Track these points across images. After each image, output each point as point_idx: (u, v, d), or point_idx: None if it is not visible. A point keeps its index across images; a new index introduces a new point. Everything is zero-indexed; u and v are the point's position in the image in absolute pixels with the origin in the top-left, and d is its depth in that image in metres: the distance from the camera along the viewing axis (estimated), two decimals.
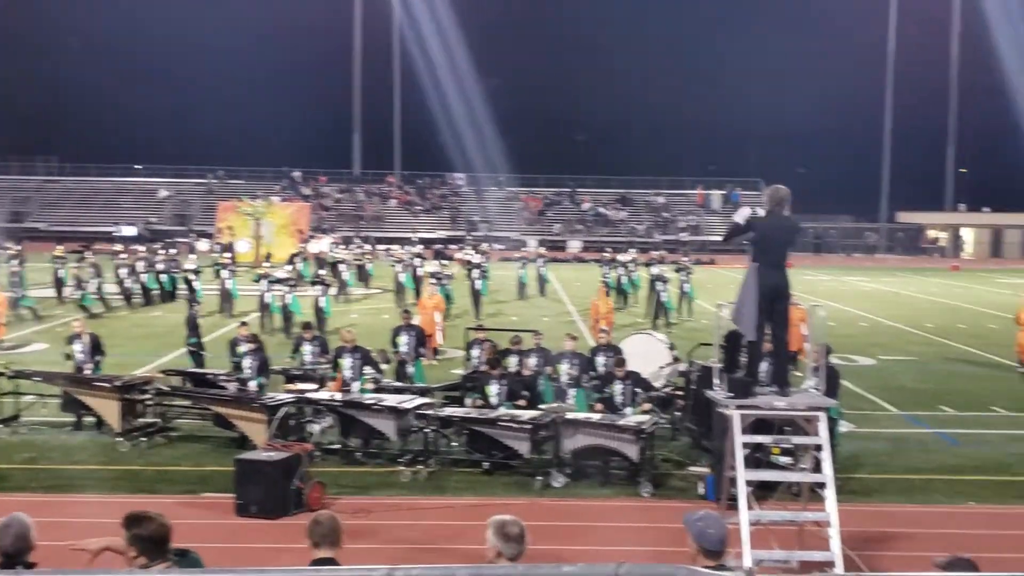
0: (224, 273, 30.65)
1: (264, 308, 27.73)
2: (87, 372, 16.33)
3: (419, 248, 40.68)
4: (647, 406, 14.40)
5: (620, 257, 35.43)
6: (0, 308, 23.91)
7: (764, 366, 10.48)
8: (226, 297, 30.52)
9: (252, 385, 15.60)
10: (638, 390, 14.57)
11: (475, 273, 32.34)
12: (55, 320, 29.09)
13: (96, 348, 16.57)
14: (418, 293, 31.85)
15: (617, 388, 14.43)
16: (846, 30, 78.69)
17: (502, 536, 5.09)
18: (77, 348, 16.48)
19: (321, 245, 46.97)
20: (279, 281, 28.01)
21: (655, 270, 31.59)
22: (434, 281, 29.65)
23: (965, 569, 6.13)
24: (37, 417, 15.93)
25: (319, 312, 26.55)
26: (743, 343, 9.78)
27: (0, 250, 37.67)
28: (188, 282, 30.53)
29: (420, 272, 33.76)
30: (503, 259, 47.20)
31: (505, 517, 5.22)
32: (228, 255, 34.45)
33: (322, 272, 33.66)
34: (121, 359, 20.17)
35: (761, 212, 10.39)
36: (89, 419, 15.75)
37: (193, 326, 20.58)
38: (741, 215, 10.58)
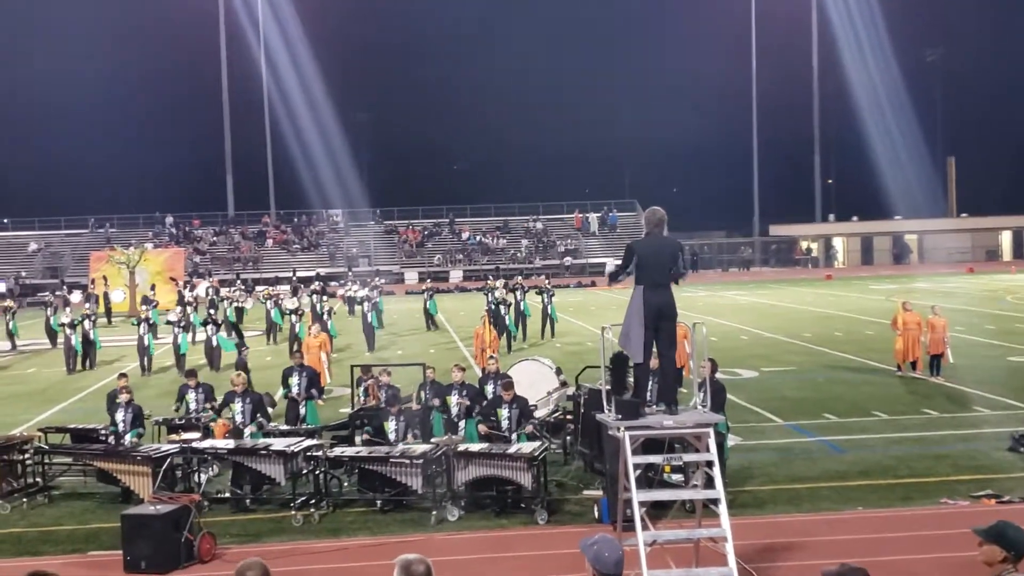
0: (86, 324, 29.90)
1: (143, 351, 28.38)
2: None
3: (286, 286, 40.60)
4: (530, 429, 14.46)
5: (493, 283, 35.58)
6: None
7: (651, 385, 10.63)
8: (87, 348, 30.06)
9: (127, 439, 15.15)
10: (523, 417, 14.59)
11: (366, 307, 32.38)
12: None
13: None
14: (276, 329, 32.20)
15: (503, 413, 14.45)
16: (710, 50, 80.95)
17: (409, 575, 5.03)
18: None
19: (199, 289, 46.14)
20: (170, 323, 29.16)
21: (498, 294, 32.27)
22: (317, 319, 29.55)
23: None
24: None
25: (213, 350, 27.67)
26: (630, 364, 9.90)
27: None
28: (66, 335, 29.60)
29: (285, 307, 33.43)
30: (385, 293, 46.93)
31: (411, 556, 5.15)
32: (88, 306, 33.79)
33: (212, 312, 33.43)
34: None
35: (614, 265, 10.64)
36: None
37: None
38: (610, 266, 10.76)
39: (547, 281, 35.84)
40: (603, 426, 10.85)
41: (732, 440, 15.59)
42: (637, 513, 8.88)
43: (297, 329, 29.89)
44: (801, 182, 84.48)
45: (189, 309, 35.46)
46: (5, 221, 77.32)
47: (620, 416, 9.55)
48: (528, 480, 13.01)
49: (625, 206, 77.69)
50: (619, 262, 10.27)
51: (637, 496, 8.99)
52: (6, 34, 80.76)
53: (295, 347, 27.77)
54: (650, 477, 12.21)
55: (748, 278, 67.41)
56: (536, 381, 17.64)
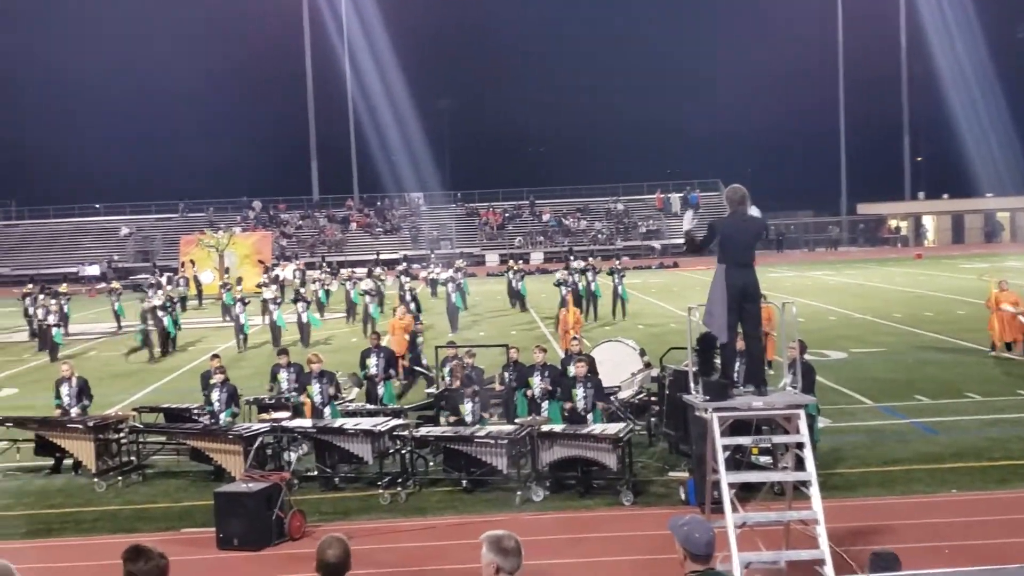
0: (159, 312, 30.50)
1: (239, 329, 29.56)
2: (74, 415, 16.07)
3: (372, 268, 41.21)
4: (603, 406, 14.47)
5: (573, 264, 35.56)
6: None
7: (739, 366, 10.51)
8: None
9: (222, 418, 15.47)
10: (597, 396, 14.55)
11: (450, 288, 32.72)
12: (24, 364, 28.80)
13: (83, 392, 16.32)
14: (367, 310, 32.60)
15: (579, 392, 14.40)
16: (796, 26, 79.47)
17: (500, 551, 5.02)
18: (64, 392, 16.25)
19: (286, 272, 46.88)
20: (266, 301, 31.20)
21: (559, 275, 32.35)
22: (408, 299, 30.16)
23: (889, 563, 6.17)
24: (11, 463, 15.70)
25: (303, 327, 29.05)
26: (717, 345, 9.80)
27: None
28: (157, 318, 30.30)
29: (362, 288, 33.87)
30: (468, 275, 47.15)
31: (499, 532, 5.16)
32: (167, 290, 34.52)
33: (301, 290, 34.18)
34: (95, 399, 19.90)
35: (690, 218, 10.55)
36: (68, 462, 15.55)
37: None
38: (688, 221, 10.63)
39: (618, 262, 35.78)
40: (689, 407, 10.78)
41: (822, 422, 15.35)
42: (726, 495, 8.80)
43: (371, 309, 30.72)
44: (889, 160, 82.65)
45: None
46: (98, 206, 79.44)
47: (708, 397, 9.45)
48: (613, 461, 12.97)
49: (708, 185, 76.82)
50: (692, 228, 10.16)
51: (726, 478, 8.91)
52: (103, 26, 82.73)
53: (369, 328, 29.11)
54: (737, 459, 12.07)
55: (835, 258, 66.27)
56: (619, 362, 17.58)
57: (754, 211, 10.01)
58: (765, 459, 12.59)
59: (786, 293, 35.71)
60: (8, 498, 14.36)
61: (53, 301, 31.53)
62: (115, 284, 39.57)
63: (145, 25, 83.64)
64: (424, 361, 21.70)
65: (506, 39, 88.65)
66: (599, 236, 73.41)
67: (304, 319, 29.37)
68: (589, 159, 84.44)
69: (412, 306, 30.37)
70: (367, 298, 31.63)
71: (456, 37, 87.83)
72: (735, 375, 10.17)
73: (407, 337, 23.44)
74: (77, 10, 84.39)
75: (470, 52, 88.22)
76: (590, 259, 36.50)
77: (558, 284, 31.98)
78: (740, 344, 10.17)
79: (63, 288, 38.10)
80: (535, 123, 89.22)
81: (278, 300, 31.32)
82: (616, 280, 33.49)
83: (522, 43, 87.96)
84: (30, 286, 36.22)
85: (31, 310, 33.00)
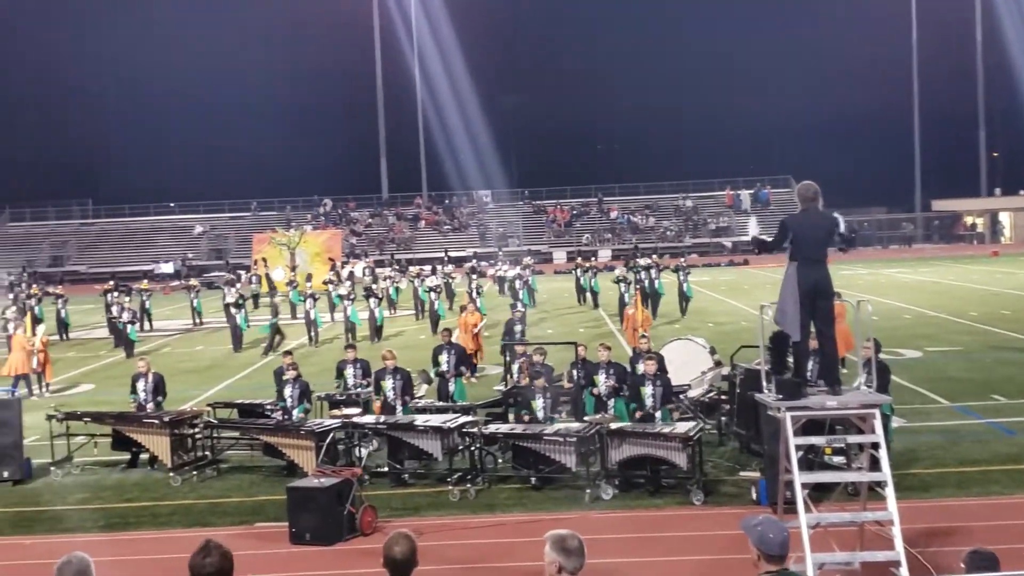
0: (232, 309, 31.02)
1: (310, 324, 30.26)
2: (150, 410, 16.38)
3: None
4: (674, 410, 14.37)
5: (639, 262, 35.45)
6: (45, 350, 24.08)
7: (811, 365, 10.37)
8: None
9: (295, 414, 15.66)
10: (667, 395, 14.46)
11: (518, 284, 32.83)
12: (101, 360, 29.42)
13: (158, 388, 16.64)
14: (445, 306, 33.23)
15: (647, 390, 14.32)
16: (868, 19, 78.27)
17: (562, 550, 5.04)
18: (140, 387, 16.57)
19: (355, 269, 47.32)
20: (341, 296, 32.05)
21: (617, 272, 32.22)
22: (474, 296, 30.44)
23: (987, 561, 6.04)
24: (89, 458, 16.05)
25: (374, 322, 29.95)
26: (790, 343, 9.68)
27: (44, 294, 38.46)
28: (231, 315, 30.80)
29: (428, 285, 34.16)
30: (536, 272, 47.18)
31: (563, 531, 5.17)
32: (237, 288, 34.88)
33: (373, 286, 34.63)
34: (168, 394, 20.26)
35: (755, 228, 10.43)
36: (144, 456, 15.86)
37: None
38: (752, 227, 10.52)
39: (683, 259, 35.68)
40: (761, 407, 10.66)
41: (896, 422, 15.11)
42: (800, 495, 8.70)
43: (436, 306, 31.03)
44: (965, 155, 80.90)
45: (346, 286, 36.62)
46: (172, 205, 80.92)
47: (781, 396, 9.34)
48: (683, 460, 12.88)
49: (779, 182, 75.94)
50: (758, 233, 10.07)
51: (800, 478, 8.80)
52: (178, 30, 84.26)
53: (435, 325, 29.74)
54: (810, 459, 11.92)
55: (910, 255, 65.10)
56: (689, 361, 17.45)
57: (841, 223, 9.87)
58: (838, 459, 12.42)
59: (860, 291, 35.16)
60: (86, 492, 14.69)
61: (127, 298, 32.19)
62: (193, 282, 40.43)
63: (219, 28, 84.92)
64: None
65: (574, 34, 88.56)
66: (667, 233, 72.98)
67: (376, 315, 29.71)
68: (658, 156, 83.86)
69: (479, 303, 30.65)
70: (433, 295, 31.92)
71: (524, 34, 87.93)
72: (808, 374, 10.04)
73: (474, 335, 23.54)
74: (152, 15, 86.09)
75: (538, 48, 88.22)
76: (653, 256, 36.31)
77: (617, 281, 31.95)
78: (814, 343, 10.04)
79: (144, 284, 39.03)
80: (603, 119, 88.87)
81: (351, 296, 31.70)
82: (681, 278, 33.36)
83: (590, 38, 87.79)
84: (111, 283, 37.10)
85: (112, 308, 33.75)
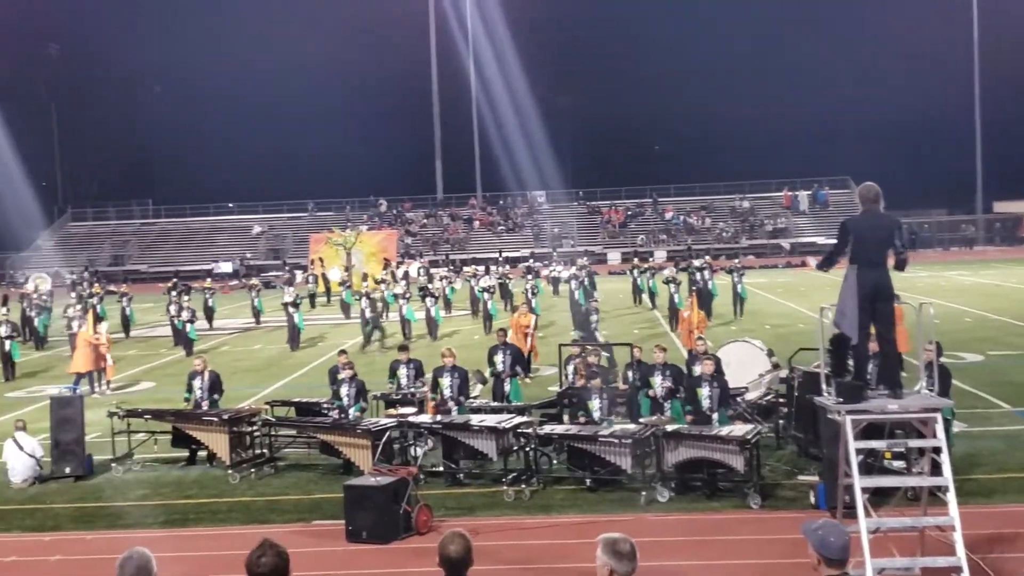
0: (291, 309, 31.23)
1: (365, 324, 30.43)
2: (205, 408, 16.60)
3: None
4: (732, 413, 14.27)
5: (694, 263, 35.26)
6: (107, 348, 24.47)
7: (872, 368, 10.25)
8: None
9: (351, 412, 15.78)
10: (723, 397, 14.35)
11: (573, 285, 32.88)
12: (161, 358, 29.85)
13: (214, 386, 16.85)
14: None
15: (703, 392, 14.24)
16: (929, 18, 77.03)
17: (614, 554, 5.03)
18: (197, 385, 16.79)
19: (411, 269, 47.57)
20: (396, 295, 32.41)
21: (667, 272, 32.07)
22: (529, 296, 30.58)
23: None
24: (149, 454, 16.29)
25: (432, 322, 30.21)
26: (850, 346, 9.56)
27: (106, 293, 39.15)
28: (289, 314, 31.12)
29: (482, 286, 34.29)
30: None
31: (615, 535, 5.17)
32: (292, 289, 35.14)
33: (429, 286, 34.95)
34: (226, 392, 20.50)
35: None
36: (202, 454, 16.07)
37: None
38: (814, 264, 10.45)
39: (737, 260, 35.50)
40: (820, 410, 10.55)
41: (957, 426, 14.89)
42: (860, 500, 8.60)
43: (489, 306, 31.29)
44: None
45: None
46: (231, 205, 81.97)
47: (841, 399, 9.24)
48: (740, 463, 12.77)
49: (837, 183, 75.07)
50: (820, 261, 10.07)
51: (860, 482, 8.70)
52: (236, 33, 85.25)
53: (488, 325, 30.29)
54: (869, 463, 11.78)
55: (971, 257, 64.00)
56: (746, 363, 17.32)
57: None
58: (898, 463, 12.26)
59: (920, 294, 34.64)
60: (146, 488, 14.91)
61: (187, 298, 32.64)
62: (254, 281, 40.98)
63: (277, 32, 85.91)
64: None
65: (629, 34, 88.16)
66: (723, 234, 72.48)
67: (432, 314, 29.90)
68: (714, 156, 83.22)
69: (534, 303, 30.81)
70: (486, 295, 32.11)
71: (579, 34, 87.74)
72: (869, 377, 9.92)
73: (526, 335, 23.54)
74: (213, 19, 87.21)
75: (593, 49, 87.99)
76: (706, 257, 36.12)
77: (667, 282, 31.80)
78: (874, 346, 9.93)
79: (207, 283, 39.65)
80: (658, 120, 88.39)
81: (407, 295, 32.05)
82: (735, 279, 33.16)
83: (645, 38, 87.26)
84: (174, 282, 37.70)
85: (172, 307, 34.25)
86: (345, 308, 38.28)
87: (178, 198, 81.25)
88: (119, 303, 35.86)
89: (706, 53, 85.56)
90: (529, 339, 23.53)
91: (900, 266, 9.57)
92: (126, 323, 35.26)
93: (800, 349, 16.14)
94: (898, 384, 9.51)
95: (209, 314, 36.58)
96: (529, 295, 32.37)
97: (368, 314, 29.88)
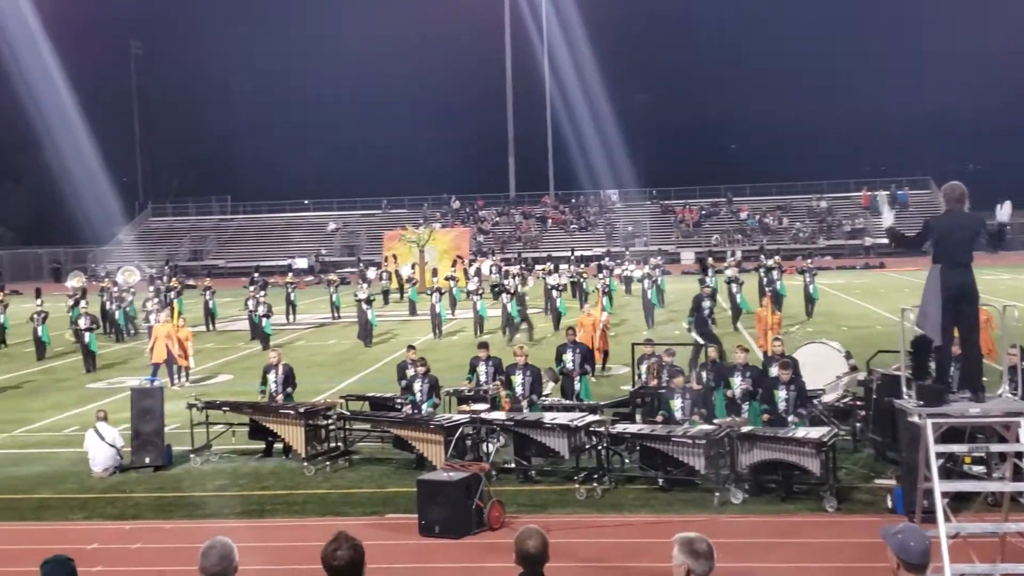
0: (364, 305, 31.43)
1: (436, 318, 31.34)
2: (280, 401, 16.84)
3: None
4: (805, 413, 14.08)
5: (768, 263, 34.92)
6: (189, 342, 24.91)
7: (954, 371, 10.05)
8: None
9: (424, 408, 15.88)
10: (801, 399, 14.17)
11: (646, 284, 32.76)
12: (239, 352, 30.34)
13: (288, 379, 17.09)
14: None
15: (780, 395, 14.07)
16: (1008, 15, 75.30)
17: (691, 553, 5.00)
18: (271, 378, 17.04)
19: (483, 267, 47.76)
20: (469, 292, 33.28)
21: (730, 272, 31.66)
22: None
23: None
24: (226, 446, 16.57)
25: (508, 319, 30.37)
26: (932, 348, 9.39)
27: (184, 287, 39.93)
28: (362, 310, 31.43)
29: (551, 283, 34.34)
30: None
31: (691, 534, 5.13)
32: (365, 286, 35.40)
33: (505, 282, 35.19)
34: (301, 386, 20.76)
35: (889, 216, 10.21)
36: (278, 446, 16.31)
37: None
38: (887, 218, 10.27)
39: (809, 261, 35.04)
40: (900, 413, 10.38)
41: None
42: (939, 504, 8.44)
43: (558, 304, 31.33)
44: None
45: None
46: (307, 203, 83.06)
47: (922, 403, 9.08)
48: (816, 466, 12.60)
49: (918, 183, 73.68)
50: (894, 223, 9.87)
51: (940, 486, 8.54)
52: (312, 35, 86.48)
53: (558, 323, 30.57)
54: (948, 468, 11.56)
55: None
56: (823, 364, 17.09)
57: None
58: (978, 468, 12.01)
59: (1002, 296, 33.82)
60: (223, 479, 15.16)
61: (263, 293, 33.15)
62: (333, 276, 41.62)
63: (352, 31, 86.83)
64: None
65: (704, 31, 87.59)
66: (800, 235, 71.56)
67: (509, 310, 30.30)
68: (790, 155, 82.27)
69: (605, 302, 30.71)
70: (555, 292, 32.18)
71: (653, 31, 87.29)
72: (951, 380, 9.73)
73: (596, 333, 23.47)
74: (289, 20, 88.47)
75: (667, 46, 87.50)
76: (776, 257, 35.73)
77: (729, 282, 31.48)
78: (957, 348, 9.73)
79: (289, 278, 40.31)
80: (734, 118, 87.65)
81: (479, 292, 32.43)
82: (807, 279, 32.79)
83: (720, 35, 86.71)
84: (254, 276, 38.41)
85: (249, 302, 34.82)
86: (411, 305, 38.80)
87: (256, 195, 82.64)
88: (202, 296, 36.64)
89: (784, 49, 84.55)
90: (599, 337, 23.47)
91: (997, 245, 9.44)
92: (210, 316, 35.99)
93: (879, 351, 15.88)
94: (980, 388, 9.32)
95: (290, 308, 37.27)
96: (601, 294, 32.29)
97: (511, 310, 30.27)
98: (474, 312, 31.56)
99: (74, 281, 40.87)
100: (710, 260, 40.61)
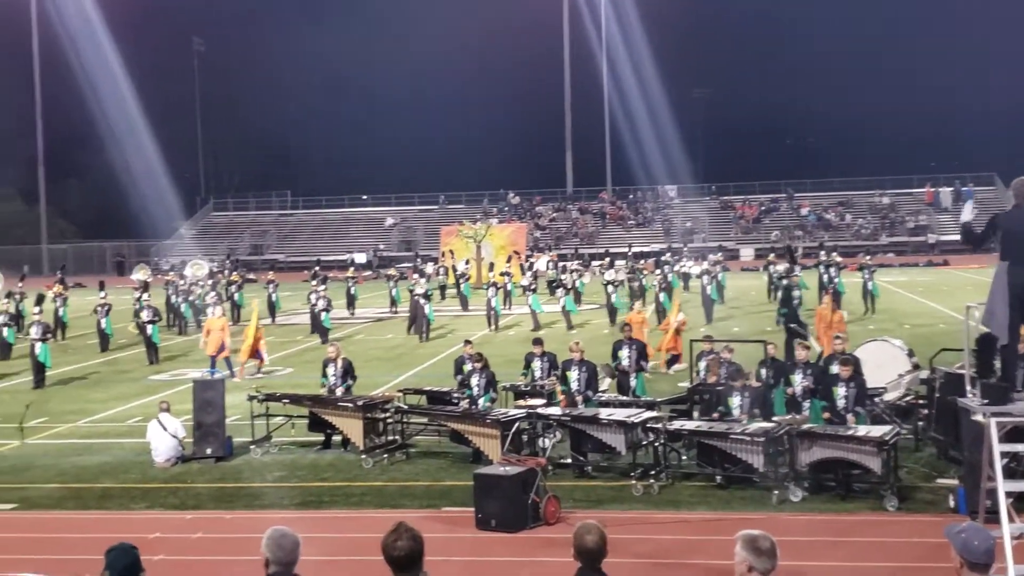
0: (421, 300, 31.66)
1: (491, 311, 31.74)
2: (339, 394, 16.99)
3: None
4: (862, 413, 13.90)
5: (831, 259, 34.56)
6: (260, 333, 25.13)
7: (1020, 370, 9.87)
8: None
9: (481, 402, 15.93)
10: (859, 397, 13.98)
11: (705, 280, 32.71)
12: (299, 345, 30.66)
13: (347, 373, 17.24)
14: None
15: (839, 392, 13.90)
16: None
17: (754, 550, 4.98)
18: (330, 372, 17.21)
19: (539, 263, 47.73)
20: (523, 287, 33.65)
21: (779, 268, 31.90)
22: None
23: None
24: (286, 438, 16.75)
25: (566, 313, 30.99)
26: (997, 346, 9.22)
27: (245, 281, 40.41)
28: (420, 305, 31.60)
29: (606, 279, 34.29)
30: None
31: (755, 532, 5.11)
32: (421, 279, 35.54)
33: (561, 277, 35.26)
34: (358, 380, 20.91)
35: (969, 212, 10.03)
36: (336, 438, 16.45)
37: None
38: (967, 213, 10.08)
39: (867, 258, 34.77)
40: (963, 412, 10.22)
41: None
42: (1003, 504, 8.32)
43: (613, 300, 31.41)
44: None
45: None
46: (365, 198, 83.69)
47: (986, 401, 8.93)
48: (877, 465, 12.44)
49: (983, 179, 72.32)
50: (971, 219, 9.69)
51: (1003, 486, 8.40)
52: (373, 33, 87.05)
53: (613, 318, 30.83)
54: (1012, 467, 11.35)
55: None
56: (885, 363, 16.86)
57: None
58: None
59: None
60: (283, 470, 15.34)
61: (323, 287, 33.43)
62: (392, 271, 42.06)
63: (411, 29, 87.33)
64: None
65: (763, 25, 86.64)
66: (862, 231, 70.63)
67: (565, 305, 30.21)
68: (852, 150, 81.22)
69: (662, 298, 30.74)
70: (610, 288, 32.16)
71: (712, 25, 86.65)
72: (1015, 378, 9.56)
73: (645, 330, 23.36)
74: (348, 16, 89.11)
75: (727, 40, 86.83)
76: (833, 254, 35.37)
77: (781, 278, 31.11)
78: (1023, 346, 9.56)
79: (350, 272, 40.73)
80: (794, 112, 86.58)
81: (532, 287, 32.48)
82: (865, 276, 32.60)
83: (779, 29, 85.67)
84: (315, 270, 38.83)
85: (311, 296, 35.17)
86: (463, 300, 39.01)
87: (315, 190, 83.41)
88: (265, 290, 37.14)
89: (845, 43, 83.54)
90: (670, 338, 23.38)
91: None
92: (272, 309, 36.43)
93: (942, 349, 15.63)
94: None
95: (350, 302, 37.75)
96: (657, 290, 32.41)
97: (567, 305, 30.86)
98: (530, 307, 32.00)
99: (140, 274, 41.61)
100: (771, 256, 40.24)
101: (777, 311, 23.78)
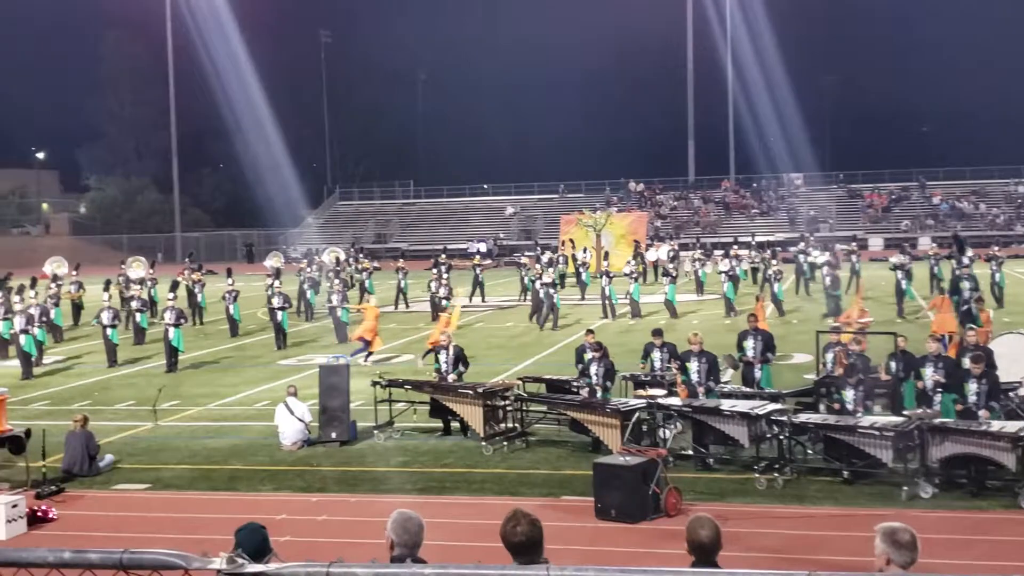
0: (551, 290, 31.67)
1: (606, 300, 32.18)
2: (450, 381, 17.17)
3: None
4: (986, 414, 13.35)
5: (938, 250, 33.66)
6: (375, 321, 25.65)
7: None
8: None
9: (600, 392, 15.87)
10: (992, 392, 13.47)
11: (825, 271, 32.21)
12: (420, 332, 31.02)
13: (459, 359, 17.40)
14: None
15: (971, 388, 13.41)
16: None
17: (893, 543, 4.90)
18: (442, 359, 17.41)
19: (660, 252, 47.35)
20: (626, 275, 33.64)
21: (894, 260, 31.29)
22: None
23: None
24: (408, 423, 16.98)
25: (668, 304, 31.24)
26: None
27: (375, 268, 41.10)
28: (544, 293, 31.67)
29: (720, 268, 34.16)
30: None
31: (895, 524, 5.04)
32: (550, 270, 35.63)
33: (669, 266, 35.11)
34: (479, 367, 21.10)
35: None
36: (455, 424, 16.61)
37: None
38: None
39: (996, 248, 33.53)
40: None
41: None
42: None
43: (726, 290, 31.09)
44: None
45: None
46: (486, 187, 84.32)
47: None
48: (1012, 461, 12.00)
49: None
50: None
51: None
52: (494, 22, 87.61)
53: (727, 307, 31.18)
54: None
55: None
56: (1020, 356, 16.22)
57: None
58: None
59: None
60: (405, 455, 15.55)
61: (446, 275, 33.78)
62: (524, 259, 42.35)
63: (531, 16, 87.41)
64: None
65: (892, 9, 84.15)
66: (996, 221, 68.10)
67: (668, 295, 31.08)
68: (986, 137, 78.29)
69: (776, 288, 30.60)
70: (723, 277, 31.94)
71: (840, 10, 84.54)
72: None
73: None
74: (469, 9, 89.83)
75: (854, 25, 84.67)
76: (993, 247, 34.34)
77: (894, 268, 30.45)
78: None
79: (476, 260, 41.18)
80: (925, 98, 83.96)
81: (634, 275, 33.01)
82: (993, 267, 31.84)
83: (909, 12, 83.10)
84: (439, 257, 39.31)
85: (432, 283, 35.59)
86: (582, 288, 39.06)
87: (437, 180, 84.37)
88: (396, 276, 37.82)
89: (980, 27, 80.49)
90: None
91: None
92: (402, 295, 37.13)
93: None
94: None
95: (478, 289, 38.59)
96: (773, 280, 32.22)
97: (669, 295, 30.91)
98: (629, 296, 32.48)
99: (272, 261, 42.65)
100: (905, 247, 39.08)
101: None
